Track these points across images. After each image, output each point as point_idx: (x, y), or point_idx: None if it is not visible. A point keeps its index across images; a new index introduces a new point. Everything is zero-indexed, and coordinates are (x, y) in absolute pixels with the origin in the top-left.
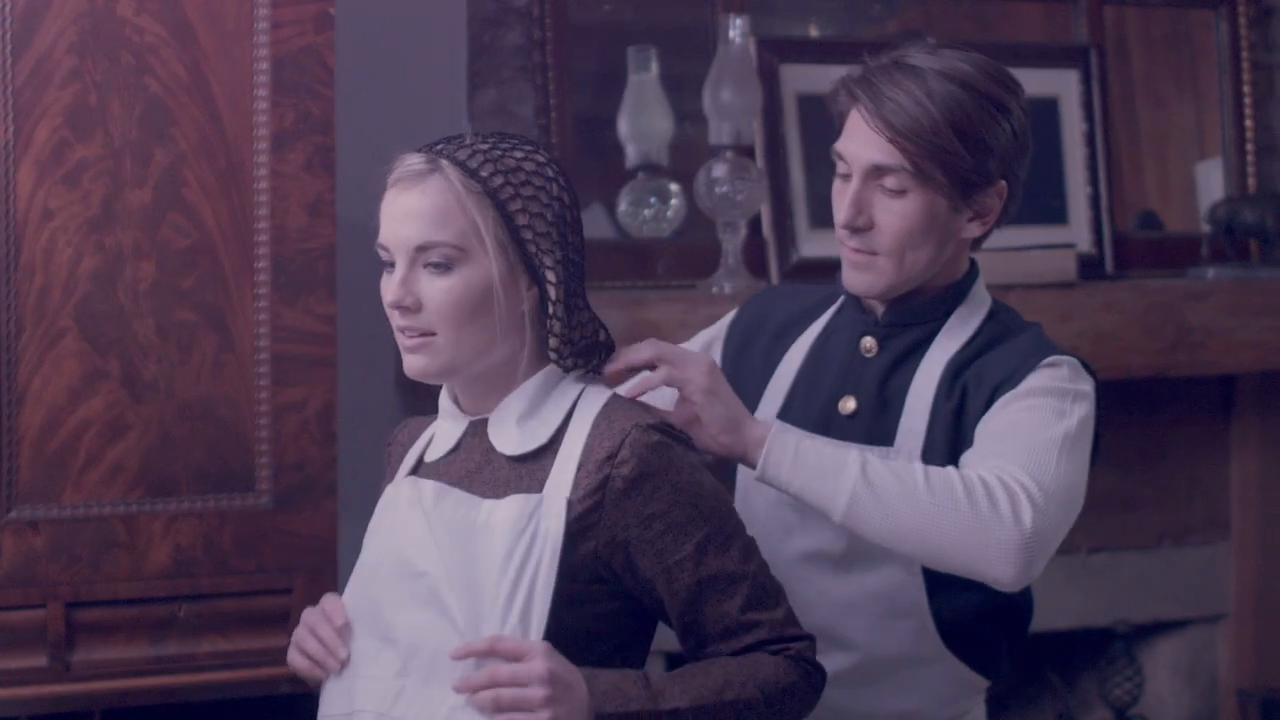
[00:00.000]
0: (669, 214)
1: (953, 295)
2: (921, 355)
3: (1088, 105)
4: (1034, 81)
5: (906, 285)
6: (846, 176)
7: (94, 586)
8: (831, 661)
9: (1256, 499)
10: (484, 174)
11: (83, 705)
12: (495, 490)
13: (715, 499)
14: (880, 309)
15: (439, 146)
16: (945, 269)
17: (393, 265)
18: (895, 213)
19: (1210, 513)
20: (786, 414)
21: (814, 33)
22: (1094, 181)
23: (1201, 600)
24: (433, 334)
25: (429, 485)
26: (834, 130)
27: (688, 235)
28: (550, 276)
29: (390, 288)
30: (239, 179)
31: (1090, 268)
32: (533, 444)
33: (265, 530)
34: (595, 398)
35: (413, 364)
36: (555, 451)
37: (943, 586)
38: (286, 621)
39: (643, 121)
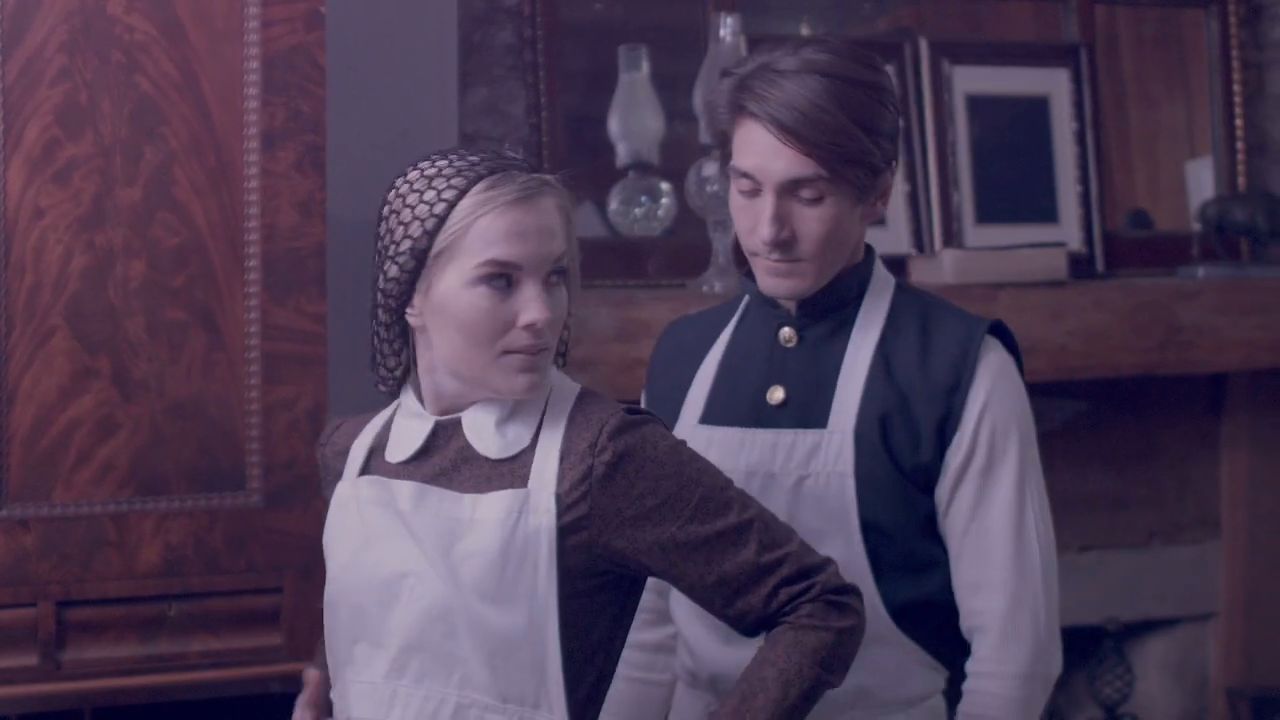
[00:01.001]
0: (660, 213)
1: (860, 276)
2: (845, 337)
3: (1078, 104)
4: (1025, 80)
5: (825, 281)
6: (753, 192)
7: (84, 585)
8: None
9: (1246, 498)
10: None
11: (73, 704)
12: (475, 486)
13: (697, 463)
14: (792, 303)
15: (511, 160)
16: (850, 253)
17: (506, 287)
18: (815, 220)
19: (1200, 511)
20: (709, 416)
21: (805, 31)
22: (1084, 180)
23: (1191, 599)
24: (548, 348)
25: (406, 486)
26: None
27: (678, 234)
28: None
29: (535, 307)
30: (229, 178)
31: (1081, 266)
32: (517, 447)
33: (255, 529)
34: (566, 392)
35: (531, 383)
36: (534, 446)
37: (886, 565)
38: (277, 620)
39: (633, 120)
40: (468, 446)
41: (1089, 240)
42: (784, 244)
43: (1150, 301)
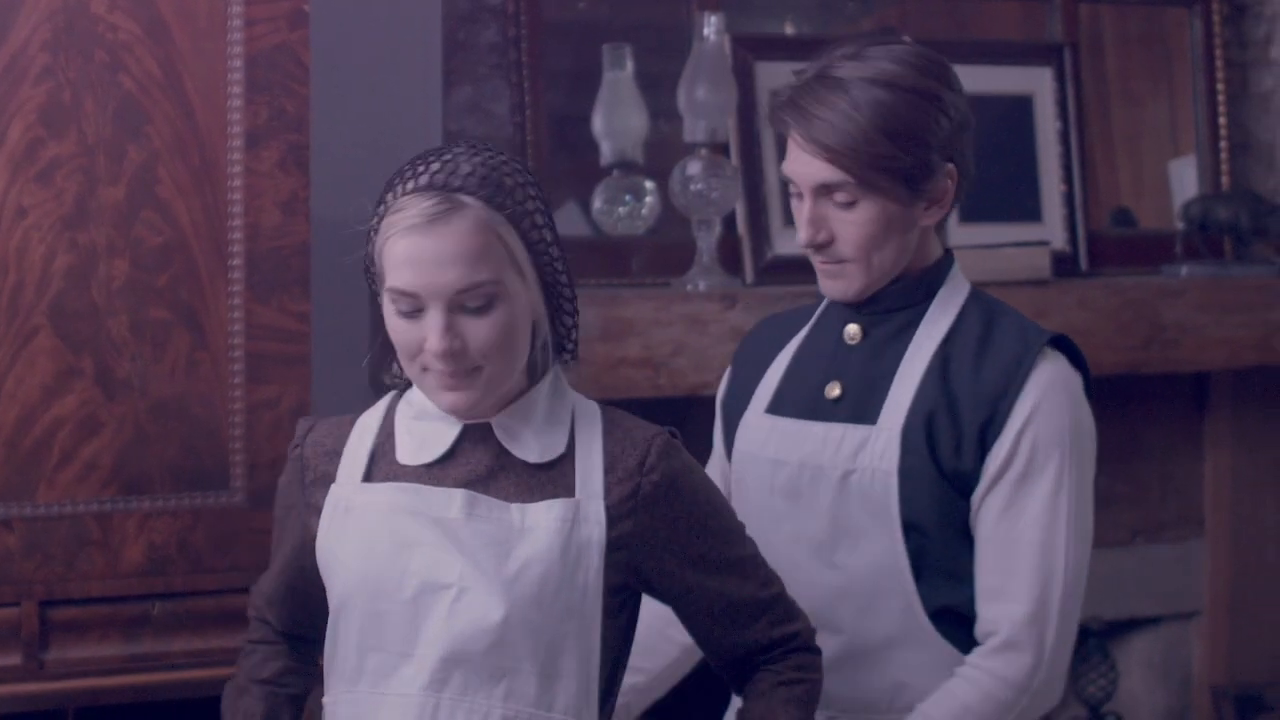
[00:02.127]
0: (644, 211)
1: (930, 279)
2: (908, 339)
3: (1062, 103)
4: (1009, 79)
5: (881, 282)
6: (800, 196)
7: (68, 585)
8: (820, 646)
9: (1230, 496)
10: (498, 199)
11: (56, 704)
12: (519, 494)
13: (718, 493)
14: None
15: (437, 180)
16: (917, 255)
17: (414, 312)
18: (851, 223)
19: (1184, 510)
20: (775, 407)
21: (789, 30)
22: (1068, 179)
23: (1175, 597)
24: (479, 368)
25: (458, 495)
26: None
27: (662, 233)
28: (564, 279)
29: (433, 338)
30: (213, 176)
31: (1064, 265)
32: (555, 451)
33: (239, 528)
34: (584, 399)
35: (454, 401)
36: (572, 457)
37: (927, 568)
38: None
39: (617, 119)
40: (504, 453)
41: (1073, 239)
42: (822, 246)
43: (1134, 300)
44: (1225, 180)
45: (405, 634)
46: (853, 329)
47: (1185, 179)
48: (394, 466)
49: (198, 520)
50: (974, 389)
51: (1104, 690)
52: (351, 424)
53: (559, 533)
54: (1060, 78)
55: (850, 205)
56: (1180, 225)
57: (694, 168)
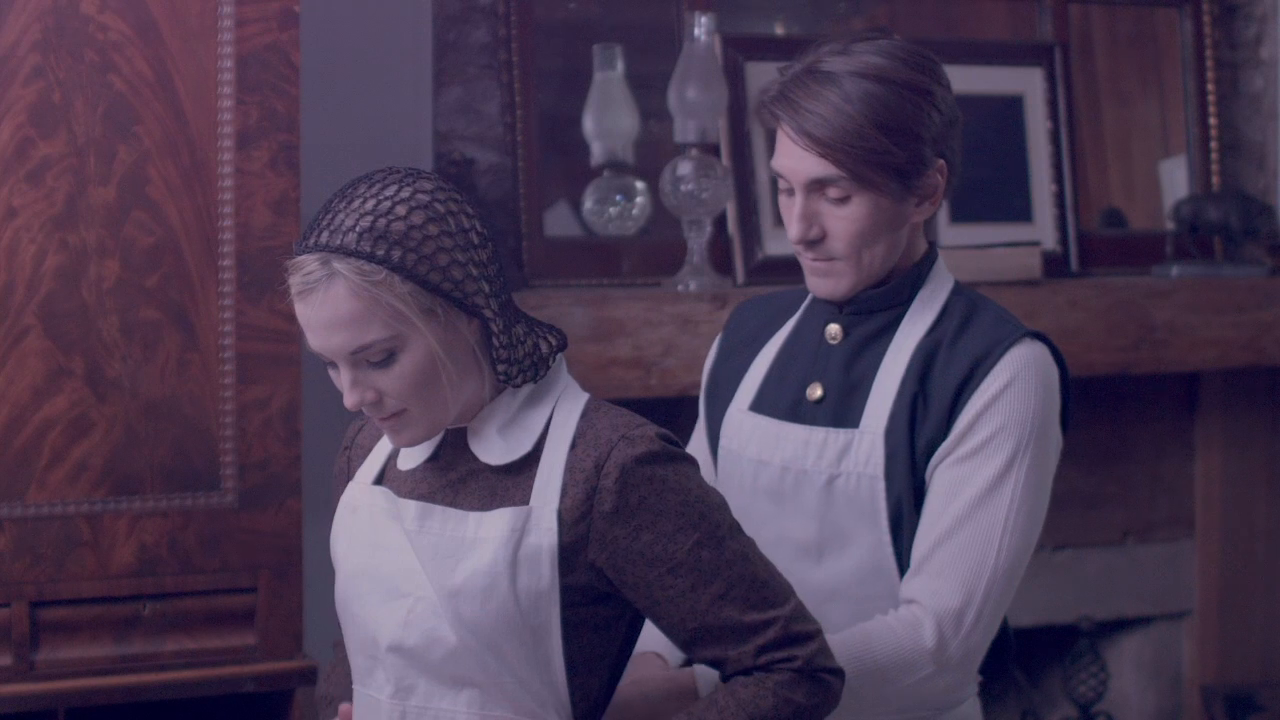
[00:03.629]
0: (634, 212)
1: (914, 278)
2: (889, 339)
3: (1052, 103)
4: (999, 79)
5: (869, 280)
6: (790, 191)
7: (58, 585)
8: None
9: (1220, 496)
10: (380, 253)
11: (47, 704)
12: (481, 501)
13: (703, 503)
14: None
15: (322, 238)
16: (904, 253)
17: (333, 364)
18: (843, 219)
19: (1174, 510)
20: (757, 405)
21: (780, 30)
22: (1059, 179)
23: (1166, 597)
24: (404, 410)
25: (411, 506)
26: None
27: (653, 233)
28: (486, 311)
29: (345, 393)
30: (203, 177)
31: (1055, 265)
32: (517, 453)
33: (230, 529)
34: (573, 401)
35: (399, 441)
36: (538, 459)
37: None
38: (251, 620)
39: (608, 119)
40: (473, 458)
41: (1063, 239)
42: (813, 242)
43: (1124, 300)
44: (1215, 181)
45: (374, 639)
46: (834, 329)
47: (1176, 179)
48: (394, 470)
49: (188, 521)
50: (947, 367)
51: (1095, 690)
52: None
53: (506, 543)
54: (1051, 78)
55: (843, 201)
56: (1171, 226)
57: (684, 168)
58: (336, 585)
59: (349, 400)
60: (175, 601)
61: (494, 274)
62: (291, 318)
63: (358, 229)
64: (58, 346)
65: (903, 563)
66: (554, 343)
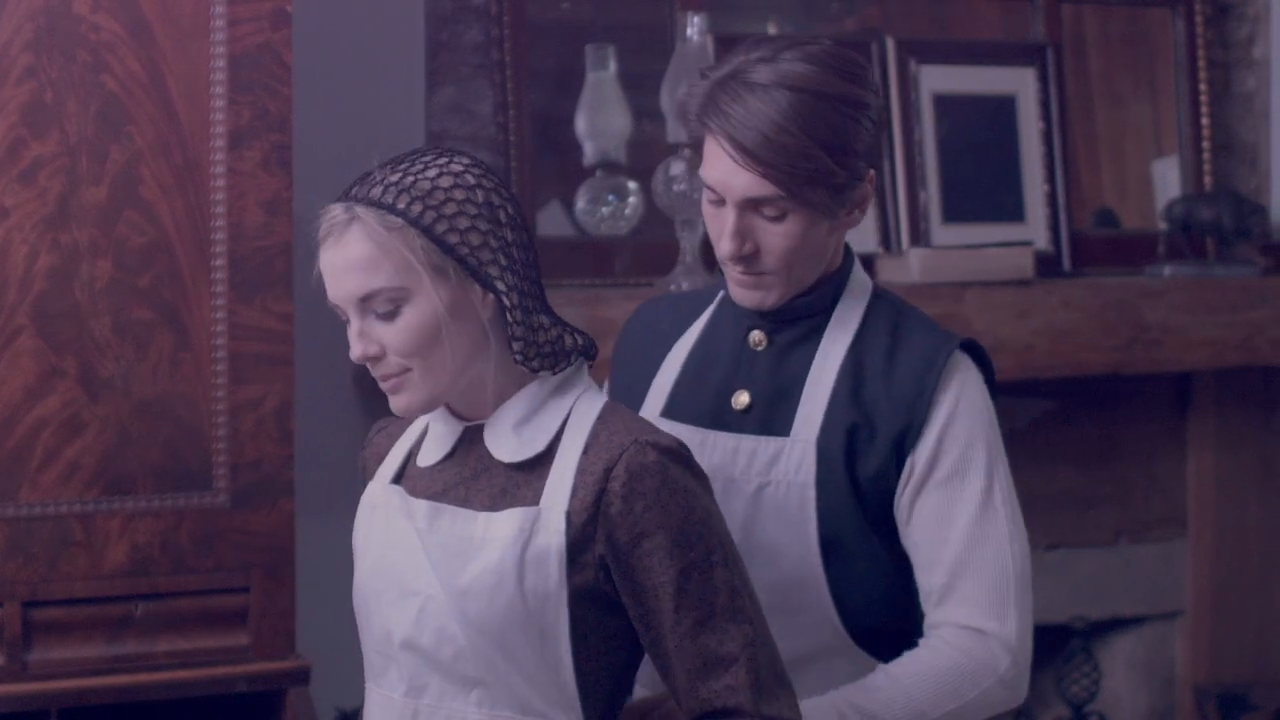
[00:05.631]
0: (627, 212)
1: (835, 284)
2: (815, 344)
3: (1045, 103)
4: (991, 79)
5: (797, 291)
6: (719, 202)
7: (51, 585)
8: None
9: (1213, 496)
10: (400, 205)
11: (39, 705)
12: (492, 500)
13: (706, 525)
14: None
15: (353, 191)
16: (827, 262)
17: (348, 323)
18: (779, 235)
19: (1167, 510)
20: (672, 411)
21: (772, 30)
22: (1051, 179)
23: (1158, 597)
24: (408, 369)
25: (421, 505)
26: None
27: (645, 233)
28: (500, 284)
29: (352, 345)
30: (196, 177)
31: (1047, 265)
32: (530, 451)
33: (222, 529)
34: (590, 403)
35: (397, 404)
36: (552, 460)
37: (847, 584)
38: (244, 620)
39: (601, 119)
40: (487, 455)
41: (1056, 239)
42: (746, 258)
43: (1117, 300)
44: (1208, 180)
45: (387, 637)
46: (757, 335)
47: (1168, 179)
48: (414, 468)
49: (181, 521)
50: (888, 395)
51: (1087, 690)
52: (410, 424)
53: (514, 543)
54: (1043, 78)
55: (778, 219)
56: (1163, 225)
57: (677, 168)
58: (354, 582)
59: (354, 351)
60: (168, 601)
61: (520, 258)
62: (285, 317)
63: (385, 183)
64: (50, 346)
65: (833, 580)
66: (580, 342)
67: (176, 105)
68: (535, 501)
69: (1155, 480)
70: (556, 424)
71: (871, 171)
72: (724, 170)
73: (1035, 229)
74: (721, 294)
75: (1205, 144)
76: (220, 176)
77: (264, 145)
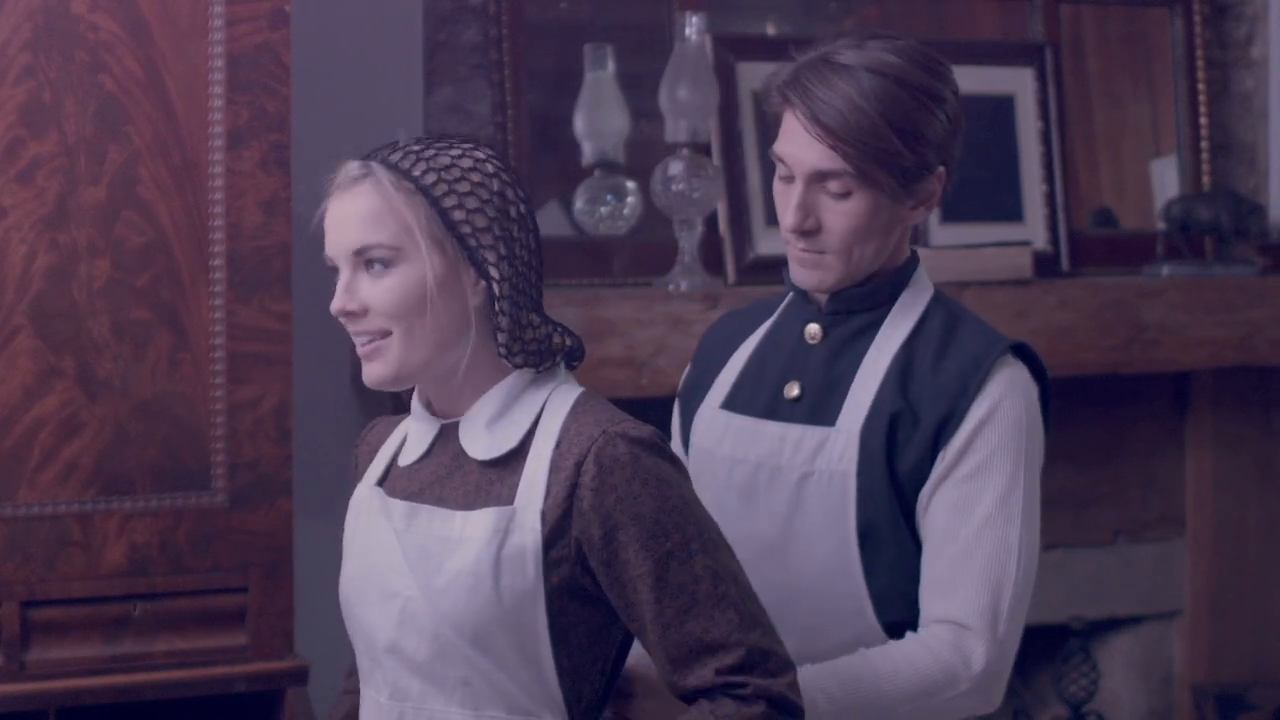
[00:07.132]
0: (625, 211)
1: (896, 281)
2: (869, 340)
3: (1043, 103)
4: (990, 79)
5: (855, 278)
6: (789, 179)
7: (49, 585)
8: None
9: (1211, 495)
10: (416, 172)
11: (37, 704)
12: (466, 497)
13: (681, 513)
14: (824, 297)
15: (375, 153)
16: (890, 255)
17: (339, 272)
18: (842, 214)
19: (1165, 509)
20: (731, 403)
21: (771, 30)
22: (1049, 179)
23: (1157, 597)
24: (387, 333)
25: (399, 506)
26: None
27: (644, 233)
28: (494, 272)
29: (335, 297)
30: (194, 176)
31: (1046, 265)
32: (503, 447)
33: (220, 529)
34: (564, 396)
35: (370, 373)
36: (526, 456)
37: (884, 576)
38: (242, 620)
39: (599, 119)
40: (462, 453)
41: (1054, 239)
42: (808, 233)
43: (1115, 300)
44: (1206, 180)
45: (373, 639)
46: (813, 328)
47: (1166, 179)
48: (396, 469)
49: (179, 521)
50: (932, 388)
51: (1085, 690)
52: (399, 422)
53: (490, 543)
54: (1041, 78)
55: (844, 196)
56: (1161, 225)
57: (675, 168)
58: (340, 585)
59: (335, 304)
60: (166, 601)
61: (521, 256)
62: (283, 317)
63: (406, 151)
64: (48, 346)
65: (869, 571)
66: (568, 343)
67: (175, 105)
68: (510, 499)
69: (1153, 480)
70: (529, 419)
71: (942, 169)
72: (796, 143)
73: (1033, 229)
74: (789, 298)
75: (1203, 144)
76: (218, 176)
77: (262, 145)
